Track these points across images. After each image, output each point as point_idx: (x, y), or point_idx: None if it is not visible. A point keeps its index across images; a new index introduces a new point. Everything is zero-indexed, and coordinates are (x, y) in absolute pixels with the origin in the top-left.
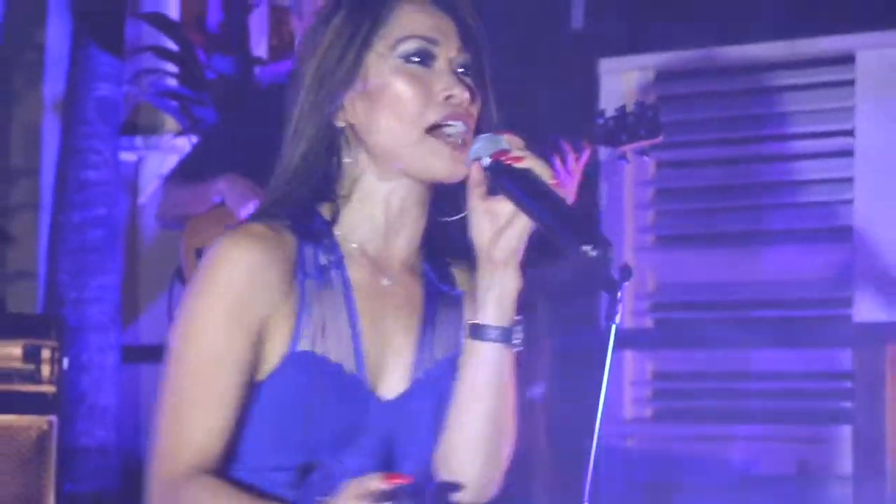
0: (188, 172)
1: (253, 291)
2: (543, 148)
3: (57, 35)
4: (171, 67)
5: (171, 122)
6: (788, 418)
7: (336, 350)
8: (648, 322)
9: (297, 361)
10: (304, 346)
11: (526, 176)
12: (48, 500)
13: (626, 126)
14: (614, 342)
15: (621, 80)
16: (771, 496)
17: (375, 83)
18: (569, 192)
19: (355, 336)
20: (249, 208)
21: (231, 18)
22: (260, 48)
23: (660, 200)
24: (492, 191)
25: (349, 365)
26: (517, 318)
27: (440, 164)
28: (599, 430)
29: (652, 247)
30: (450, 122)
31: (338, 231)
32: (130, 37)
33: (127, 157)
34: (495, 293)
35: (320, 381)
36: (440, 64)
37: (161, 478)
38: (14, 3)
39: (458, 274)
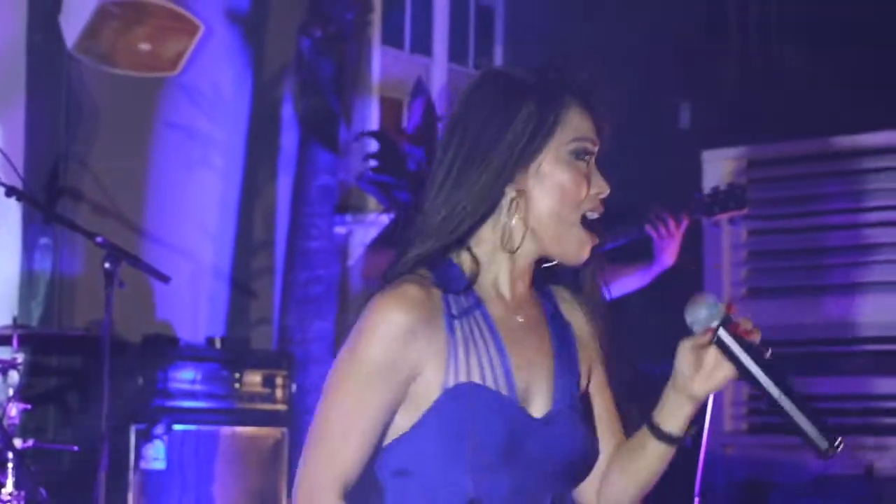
0: (387, 241)
1: (403, 350)
2: (648, 217)
3: (289, 140)
4: (374, 161)
5: (373, 203)
6: (858, 430)
7: (491, 377)
8: None
9: (459, 393)
10: (462, 377)
11: (758, 354)
12: (282, 494)
13: (719, 200)
14: None
15: (720, 168)
16: (841, 494)
17: (549, 167)
18: (670, 253)
19: (505, 364)
20: None
21: (425, 123)
22: None
23: (751, 260)
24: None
25: (503, 389)
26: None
27: (577, 252)
28: (706, 440)
29: (745, 297)
30: (594, 213)
31: (476, 282)
32: (344, 138)
33: (339, 230)
34: (682, 413)
35: (481, 406)
36: (592, 160)
37: (304, 490)
38: (258, 118)
39: (562, 302)
